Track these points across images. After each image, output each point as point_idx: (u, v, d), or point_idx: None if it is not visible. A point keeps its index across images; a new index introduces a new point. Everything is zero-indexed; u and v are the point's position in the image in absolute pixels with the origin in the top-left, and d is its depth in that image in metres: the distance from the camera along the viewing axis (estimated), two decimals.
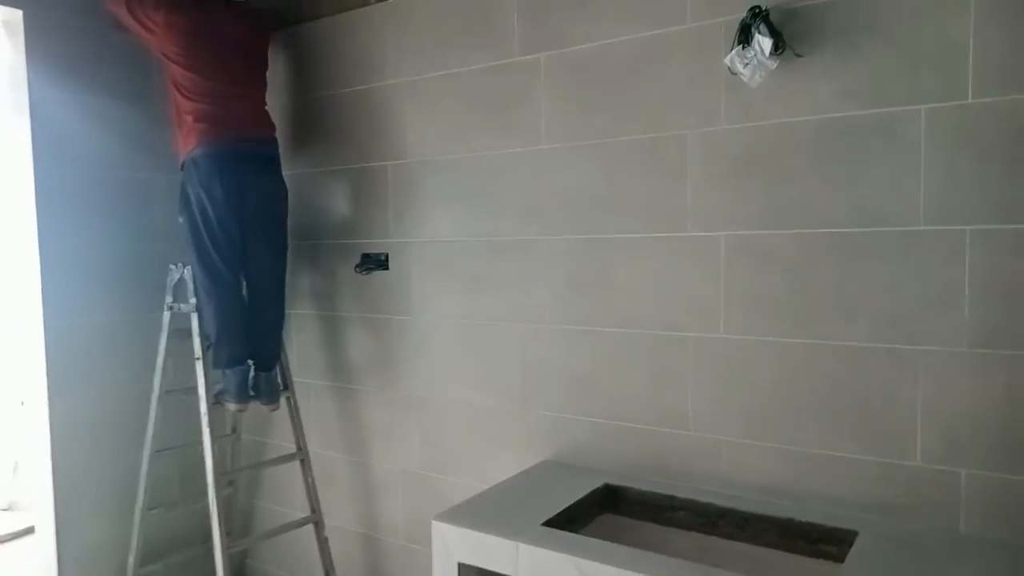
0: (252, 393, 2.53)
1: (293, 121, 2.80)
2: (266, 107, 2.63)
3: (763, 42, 1.73)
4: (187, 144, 2.40)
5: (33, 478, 2.71)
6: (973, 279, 1.60)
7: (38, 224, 2.56)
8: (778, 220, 1.82)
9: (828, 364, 1.78)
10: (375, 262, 2.64)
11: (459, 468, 2.47)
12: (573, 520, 1.83)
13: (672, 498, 1.90)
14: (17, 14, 2.52)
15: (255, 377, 2.54)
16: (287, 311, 2.72)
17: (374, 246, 2.64)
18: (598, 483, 2.00)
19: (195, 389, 2.50)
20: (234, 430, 3.02)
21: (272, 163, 2.57)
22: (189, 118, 2.39)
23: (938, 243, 1.63)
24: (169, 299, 2.60)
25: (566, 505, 1.85)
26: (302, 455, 2.74)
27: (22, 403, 4.07)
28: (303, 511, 2.78)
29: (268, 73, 2.69)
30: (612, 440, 2.12)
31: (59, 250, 2.60)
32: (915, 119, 1.64)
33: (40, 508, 2.67)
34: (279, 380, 2.65)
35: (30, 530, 3.39)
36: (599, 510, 1.97)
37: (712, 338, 1.93)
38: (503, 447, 2.35)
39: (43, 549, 2.66)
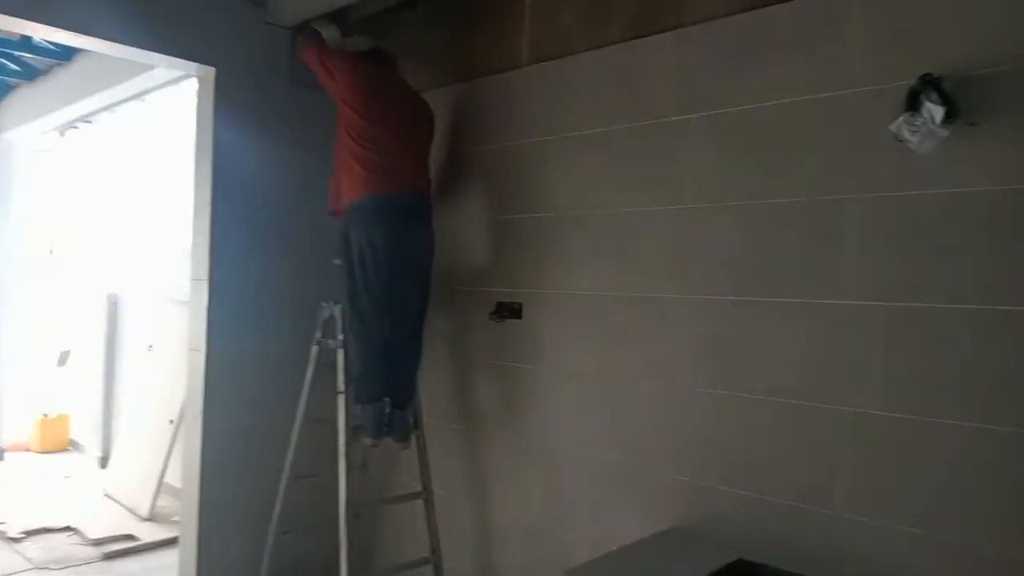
0: (386, 429, 2.62)
1: (442, 172, 2.95)
2: (428, 164, 2.79)
3: (934, 110, 1.67)
4: (353, 191, 2.58)
5: (183, 492, 2.92)
6: None
7: (211, 255, 2.82)
8: (948, 294, 1.72)
9: (1009, 456, 1.63)
10: (509, 310, 2.70)
11: (582, 525, 2.43)
12: None
13: None
14: (211, 71, 2.84)
15: (390, 414, 2.63)
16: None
17: (509, 295, 2.71)
18: (731, 556, 1.92)
19: (334, 421, 2.63)
20: (365, 464, 3.13)
21: (428, 215, 2.72)
22: (358, 166, 2.56)
23: None
24: (318, 334, 2.76)
25: None
26: (426, 495, 2.80)
27: (171, 421, 4.41)
28: (423, 551, 2.82)
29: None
30: (747, 513, 2.03)
31: (227, 281, 2.84)
32: None
33: (187, 521, 2.86)
34: (411, 419, 2.74)
35: (172, 541, 3.62)
36: None
37: (868, 414, 1.82)
38: (630, 508, 2.30)
39: (186, 560, 2.84)
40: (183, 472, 2.93)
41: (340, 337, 2.65)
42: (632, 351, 2.32)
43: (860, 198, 1.86)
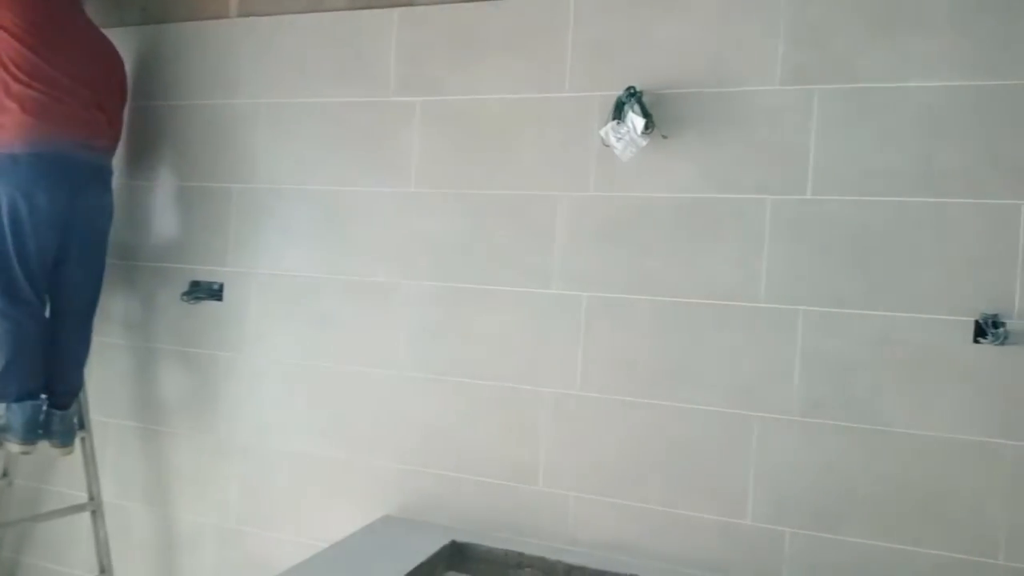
0: (41, 432, 2.17)
1: (128, 127, 2.50)
2: (116, 121, 2.36)
3: (636, 120, 1.84)
4: (6, 137, 2.04)
5: None
6: (803, 354, 1.79)
7: None
8: (637, 286, 1.92)
9: (674, 425, 1.88)
10: (206, 291, 2.41)
11: (285, 524, 2.27)
12: None
13: (520, 555, 1.88)
14: None
15: (47, 414, 2.18)
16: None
17: (207, 273, 2.42)
18: (444, 540, 1.94)
19: None
20: (6, 474, 2.56)
21: (107, 177, 2.30)
22: (14, 106, 2.03)
23: (775, 320, 1.81)
24: None
25: (412, 566, 1.76)
26: (94, 505, 2.39)
27: None
28: (90, 571, 2.40)
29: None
30: (461, 494, 2.07)
31: None
32: (762, 207, 1.83)
33: None
34: (76, 420, 2.30)
35: None
36: (444, 569, 1.90)
37: (568, 394, 1.97)
38: (340, 501, 2.20)
39: None
40: None
41: None
42: (346, 336, 2.22)
43: (570, 196, 1.99)
